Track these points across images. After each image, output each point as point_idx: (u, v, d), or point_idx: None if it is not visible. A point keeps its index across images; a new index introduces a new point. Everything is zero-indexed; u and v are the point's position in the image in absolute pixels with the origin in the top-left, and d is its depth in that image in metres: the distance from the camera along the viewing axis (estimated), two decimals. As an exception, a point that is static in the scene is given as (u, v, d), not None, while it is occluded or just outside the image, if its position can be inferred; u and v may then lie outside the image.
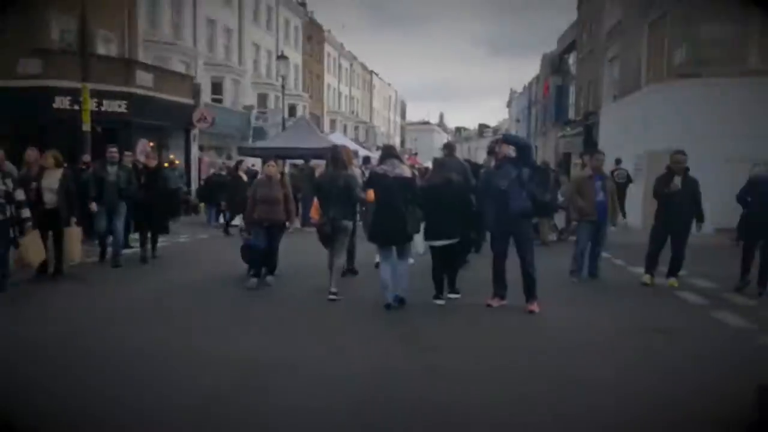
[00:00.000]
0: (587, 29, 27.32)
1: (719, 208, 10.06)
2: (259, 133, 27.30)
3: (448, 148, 9.17)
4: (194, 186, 20.97)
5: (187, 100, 21.11)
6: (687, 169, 7.59)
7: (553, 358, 4.77)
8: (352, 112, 51.17)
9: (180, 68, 22.63)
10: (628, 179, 14.86)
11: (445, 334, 5.49)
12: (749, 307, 6.56)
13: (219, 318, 5.98)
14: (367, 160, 14.71)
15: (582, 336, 5.39)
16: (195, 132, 22.25)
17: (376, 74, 58.57)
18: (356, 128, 50.65)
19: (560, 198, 12.90)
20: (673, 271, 7.66)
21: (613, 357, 4.83)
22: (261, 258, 7.47)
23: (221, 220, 14.57)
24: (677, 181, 7.35)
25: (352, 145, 18.47)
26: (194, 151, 22.63)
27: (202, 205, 18.24)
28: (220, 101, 25.96)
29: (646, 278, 7.72)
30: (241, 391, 3.95)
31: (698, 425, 3.61)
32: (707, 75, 15.31)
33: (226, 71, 27.09)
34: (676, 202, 7.38)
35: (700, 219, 7.61)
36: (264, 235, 7.41)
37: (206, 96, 24.18)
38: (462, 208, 6.57)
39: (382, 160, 6.87)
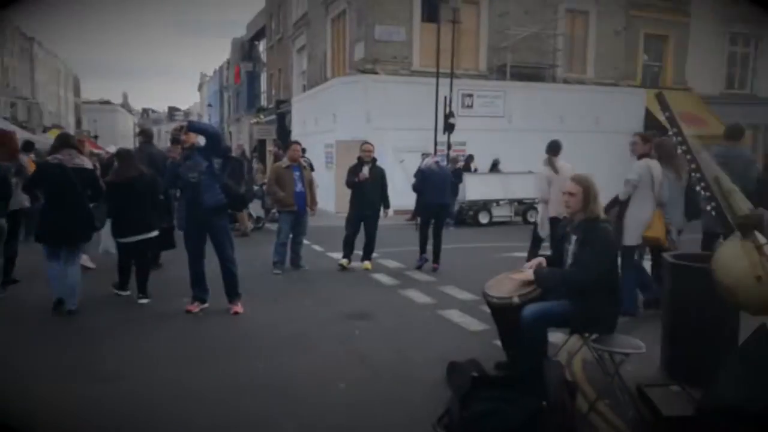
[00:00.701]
0: (276, 17, 27.82)
1: (394, 192, 11.33)
2: None
3: (145, 134, 8.13)
4: None
5: None
6: (375, 159, 8.19)
7: (263, 359, 4.52)
8: (7, 85, 42.58)
9: None
10: (311, 168, 15.79)
11: (132, 352, 4.72)
12: (429, 282, 7.39)
13: None
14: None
15: (288, 330, 5.29)
16: None
17: (39, 43, 49.93)
18: (13, 105, 42.34)
19: (256, 186, 12.81)
20: (367, 254, 8.19)
21: (319, 349, 4.83)
22: None
23: None
24: (365, 170, 7.87)
25: (8, 126, 15.19)
26: None
27: None
28: None
29: (344, 262, 8.10)
30: None
31: (394, 406, 3.78)
32: (383, 72, 17.05)
33: None
34: (367, 190, 7.91)
35: (387, 205, 8.29)
36: None
37: None
38: (153, 201, 6.23)
39: (55, 149, 5.86)
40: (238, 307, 5.82)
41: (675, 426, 3.14)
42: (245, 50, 35.42)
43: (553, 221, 6.68)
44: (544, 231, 7.03)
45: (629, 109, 18.62)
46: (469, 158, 15.31)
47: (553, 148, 7.08)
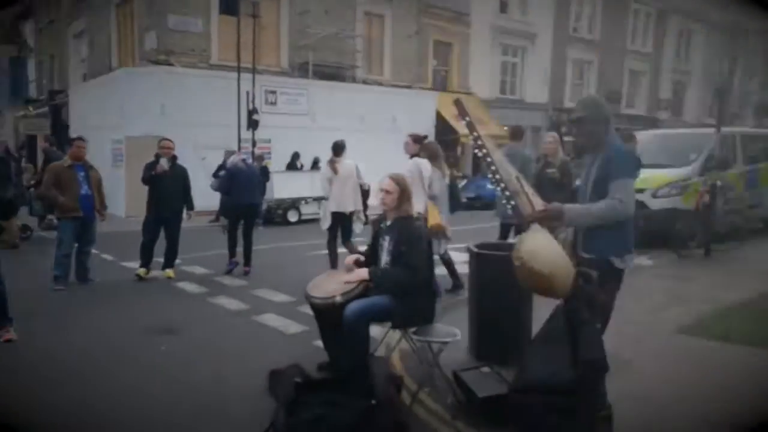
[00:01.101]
0: (45, -5, 24.38)
1: (196, 192, 10.64)
2: None
3: None
4: None
5: None
6: (175, 157, 7.54)
7: (47, 394, 3.82)
8: None
9: None
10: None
11: None
12: (241, 287, 7.02)
13: None
14: None
15: (77, 356, 4.59)
16: None
17: None
18: None
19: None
20: (169, 261, 7.51)
21: (117, 374, 4.26)
22: None
23: None
24: (163, 162, 7.23)
25: None
26: None
27: None
28: None
29: (142, 272, 7.33)
30: None
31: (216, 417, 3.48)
32: (179, 64, 15.92)
33: None
34: (167, 191, 7.25)
35: (190, 206, 7.69)
36: None
37: None
38: None
39: None
40: (10, 334, 4.88)
41: (490, 405, 3.34)
42: (6, 32, 30.43)
43: (335, 216, 7.14)
44: (325, 224, 7.29)
45: (422, 110, 19.98)
46: (295, 156, 15.08)
47: (336, 149, 7.33)
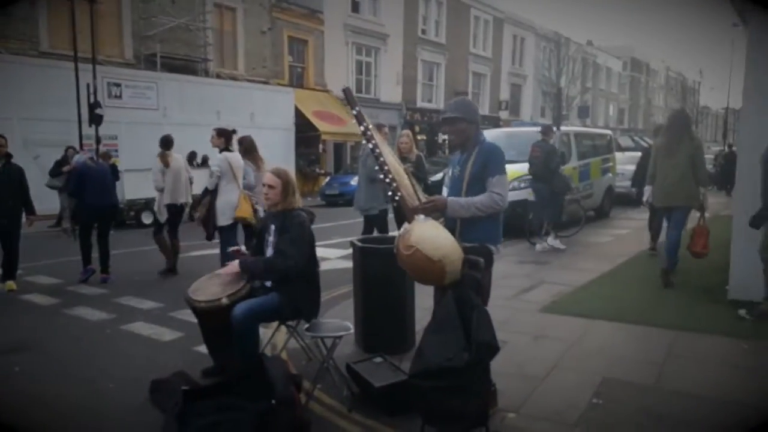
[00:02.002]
0: None
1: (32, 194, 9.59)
2: None
3: None
4: None
5: None
6: (9, 155, 6.71)
7: None
8: None
9: None
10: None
11: None
12: (101, 295, 6.45)
13: None
14: None
15: None
16: None
17: None
18: None
19: None
20: (9, 272, 6.66)
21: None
22: None
23: None
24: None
25: None
26: None
27: None
28: None
29: (-30, 286, 6.44)
30: None
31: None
32: (5, 51, 14.12)
33: None
34: (1, 194, 6.43)
35: (30, 211, 6.87)
36: None
37: None
38: None
39: None
40: None
41: (386, 394, 3.46)
42: None
43: (170, 207, 7.54)
44: (162, 216, 7.61)
45: (280, 106, 19.75)
46: (192, 155, 13.93)
47: (166, 143, 7.65)
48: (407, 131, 7.48)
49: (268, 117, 19.01)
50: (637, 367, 4.10)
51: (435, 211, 3.40)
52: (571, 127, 14.50)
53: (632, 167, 11.12)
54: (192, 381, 3.82)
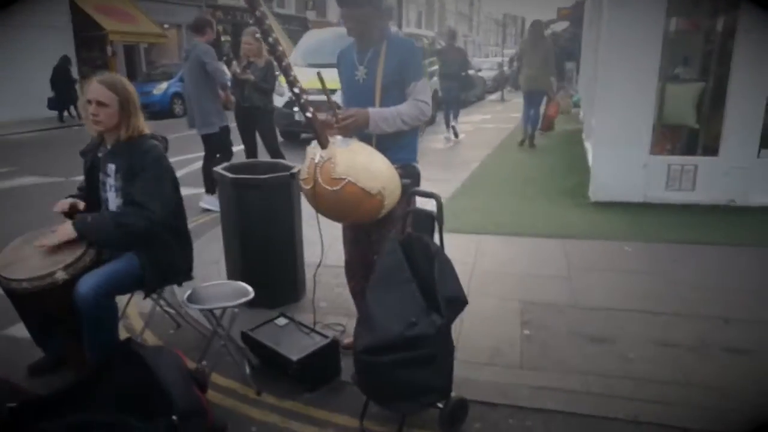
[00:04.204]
0: None
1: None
2: None
3: None
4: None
5: None
6: None
7: None
8: None
9: None
10: None
11: None
12: None
13: None
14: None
15: None
16: None
17: None
18: None
19: None
20: None
21: None
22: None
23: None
24: None
25: None
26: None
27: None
28: None
29: None
30: None
31: None
32: None
33: None
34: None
35: None
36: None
37: None
38: None
39: None
40: None
41: (307, 366, 2.74)
42: None
43: None
44: None
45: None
46: None
47: None
48: (253, 30, 6.03)
49: (34, 13, 15.35)
50: (547, 285, 3.91)
51: (356, 129, 2.61)
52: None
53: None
54: (19, 390, 2.65)
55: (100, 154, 2.89)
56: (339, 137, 2.55)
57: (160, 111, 15.53)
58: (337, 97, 2.81)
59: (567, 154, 8.30)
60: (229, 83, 5.94)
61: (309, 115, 2.49)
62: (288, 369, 2.75)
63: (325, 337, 2.89)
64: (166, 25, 20.10)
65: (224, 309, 2.76)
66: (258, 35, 5.88)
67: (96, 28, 16.81)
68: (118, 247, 2.75)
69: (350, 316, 3.39)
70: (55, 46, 15.94)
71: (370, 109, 2.62)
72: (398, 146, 2.71)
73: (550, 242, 4.74)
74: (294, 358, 2.73)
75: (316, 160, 2.48)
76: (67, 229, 2.65)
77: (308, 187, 2.52)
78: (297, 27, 27.78)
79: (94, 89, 2.70)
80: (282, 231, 3.62)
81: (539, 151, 8.85)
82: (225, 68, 6.13)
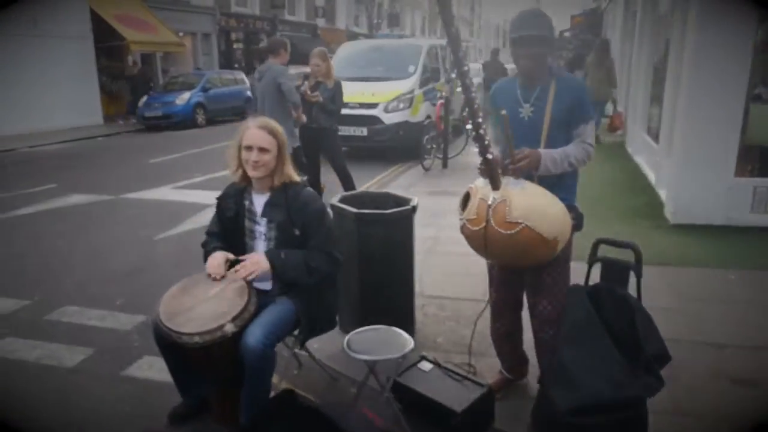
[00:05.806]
0: None
1: None
2: None
3: None
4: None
5: None
6: None
7: None
8: None
9: None
10: None
11: None
12: None
13: None
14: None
15: None
16: None
17: None
18: None
19: None
20: None
21: None
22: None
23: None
24: None
25: None
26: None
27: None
28: None
29: None
30: None
31: None
32: None
33: None
34: None
35: None
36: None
37: None
38: None
39: None
40: None
41: (473, 419, 2.63)
42: None
43: None
44: None
45: (70, 8, 15.85)
46: None
47: None
48: (321, 50, 5.92)
49: (55, 22, 15.21)
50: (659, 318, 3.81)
51: (529, 170, 2.51)
52: (437, 40, 13.78)
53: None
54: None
55: (246, 202, 2.78)
56: (511, 178, 2.47)
57: (182, 121, 15.41)
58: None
59: (619, 169, 8.21)
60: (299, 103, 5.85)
61: (490, 156, 2.41)
62: (451, 419, 2.64)
63: (480, 385, 2.79)
64: (180, 33, 19.97)
65: (396, 360, 2.65)
66: (330, 55, 5.81)
67: (116, 37, 16.66)
68: (298, 285, 2.67)
69: (475, 355, 3.28)
70: (76, 56, 15.80)
71: (542, 150, 2.53)
72: (560, 187, 2.62)
73: (647, 270, 4.63)
74: (458, 409, 2.62)
75: (489, 201, 2.40)
76: (261, 263, 2.58)
77: (476, 228, 2.44)
78: (306, 34, 27.73)
79: (254, 135, 2.60)
80: (401, 265, 3.52)
81: (590, 164, 8.75)
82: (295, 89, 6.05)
